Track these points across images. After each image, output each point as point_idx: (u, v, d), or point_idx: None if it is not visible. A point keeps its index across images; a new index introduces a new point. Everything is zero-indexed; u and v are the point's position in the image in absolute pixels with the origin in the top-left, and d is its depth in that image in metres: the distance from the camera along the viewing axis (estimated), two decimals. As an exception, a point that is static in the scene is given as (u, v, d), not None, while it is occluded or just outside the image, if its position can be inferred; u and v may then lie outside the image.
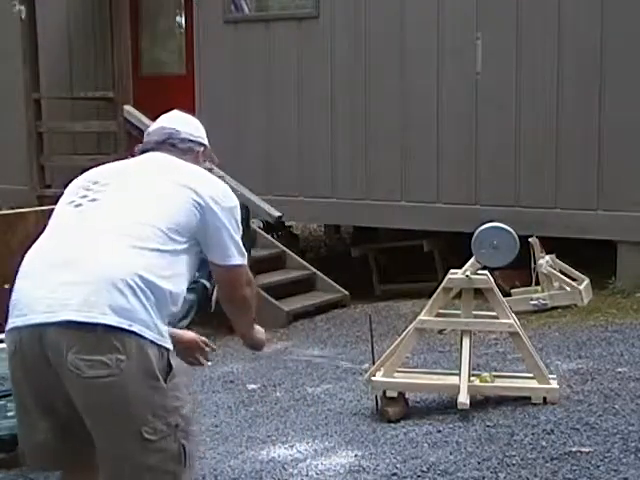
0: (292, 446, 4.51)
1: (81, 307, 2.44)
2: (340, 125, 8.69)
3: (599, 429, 4.26)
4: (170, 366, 2.54)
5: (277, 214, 7.86)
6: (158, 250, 2.56)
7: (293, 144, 8.94)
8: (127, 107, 8.38)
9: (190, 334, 3.31)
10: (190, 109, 10.44)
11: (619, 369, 5.30)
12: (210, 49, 9.38)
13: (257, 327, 3.26)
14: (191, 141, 2.95)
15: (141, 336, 2.47)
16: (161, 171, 2.77)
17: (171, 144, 2.90)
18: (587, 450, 4.01)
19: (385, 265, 9.26)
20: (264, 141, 9.09)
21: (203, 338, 3.35)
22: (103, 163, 2.90)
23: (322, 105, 8.73)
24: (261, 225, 9.99)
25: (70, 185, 2.82)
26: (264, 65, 9.01)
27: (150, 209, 2.62)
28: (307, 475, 4.09)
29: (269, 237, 9.05)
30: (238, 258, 2.76)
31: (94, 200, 2.67)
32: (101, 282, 2.47)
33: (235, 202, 2.79)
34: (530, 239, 7.20)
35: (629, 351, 5.69)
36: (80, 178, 2.82)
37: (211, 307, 7.50)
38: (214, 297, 7.49)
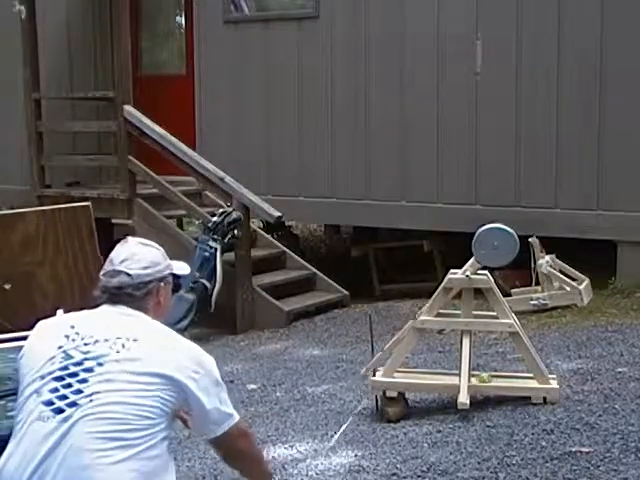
0: (292, 446, 4.51)
1: None
2: (340, 125, 8.70)
3: (599, 429, 4.26)
4: None
5: (277, 214, 7.85)
6: (144, 455, 2.45)
7: (293, 144, 8.94)
8: (127, 107, 8.38)
9: None
10: (190, 109, 10.47)
11: (619, 369, 5.29)
12: (210, 49, 9.38)
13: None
14: (147, 283, 2.72)
15: None
16: (124, 355, 2.53)
17: (127, 294, 2.70)
18: (587, 450, 4.01)
19: (385, 265, 9.27)
20: (264, 141, 9.09)
21: None
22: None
23: (322, 105, 8.73)
24: (261, 225, 10.00)
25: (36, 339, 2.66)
26: (264, 65, 9.02)
27: (124, 410, 2.45)
28: (307, 475, 4.09)
29: (269, 237, 9.06)
30: (226, 423, 2.65)
31: (64, 414, 2.44)
32: None
33: (208, 363, 2.64)
34: (530, 239, 7.20)
35: (629, 351, 5.69)
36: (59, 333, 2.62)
37: (211, 307, 7.53)
38: (214, 297, 7.53)
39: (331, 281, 8.41)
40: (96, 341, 2.56)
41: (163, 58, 10.91)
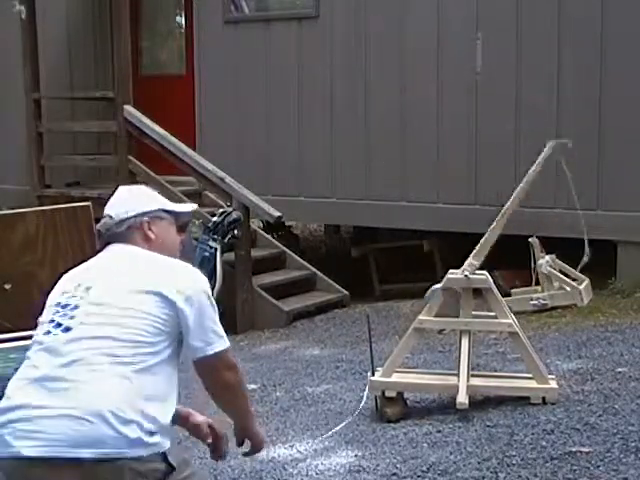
0: (292, 446, 4.51)
1: (66, 442, 2.36)
2: (340, 125, 8.70)
3: (599, 429, 4.26)
4: (171, 467, 2.50)
5: (277, 214, 7.86)
6: (142, 369, 2.48)
7: (293, 144, 8.94)
8: (127, 107, 8.38)
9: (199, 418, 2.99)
10: (190, 109, 10.46)
11: (619, 369, 5.29)
12: (210, 49, 9.38)
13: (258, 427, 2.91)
14: (126, 219, 2.80)
15: (133, 458, 2.40)
16: (120, 280, 2.64)
17: (113, 233, 2.81)
18: (587, 450, 4.01)
19: (385, 265, 9.27)
20: (264, 141, 9.09)
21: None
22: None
23: (322, 105, 8.73)
24: (261, 225, 10.00)
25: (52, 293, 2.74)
26: (264, 65, 9.02)
27: (121, 327, 2.51)
28: (307, 475, 4.09)
29: (269, 237, 9.06)
30: (215, 345, 2.60)
31: (68, 328, 2.56)
32: (86, 413, 2.37)
33: (202, 283, 2.67)
34: (530, 239, 7.21)
35: (629, 351, 5.69)
36: (56, 291, 2.73)
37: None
38: (214, 297, 7.51)
39: (331, 281, 8.41)
40: (87, 288, 2.65)
41: (163, 58, 10.91)
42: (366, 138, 8.54)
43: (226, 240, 7.60)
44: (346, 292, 8.35)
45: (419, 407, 4.93)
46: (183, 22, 10.32)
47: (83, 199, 6.81)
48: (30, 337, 3.28)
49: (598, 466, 3.84)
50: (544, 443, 4.15)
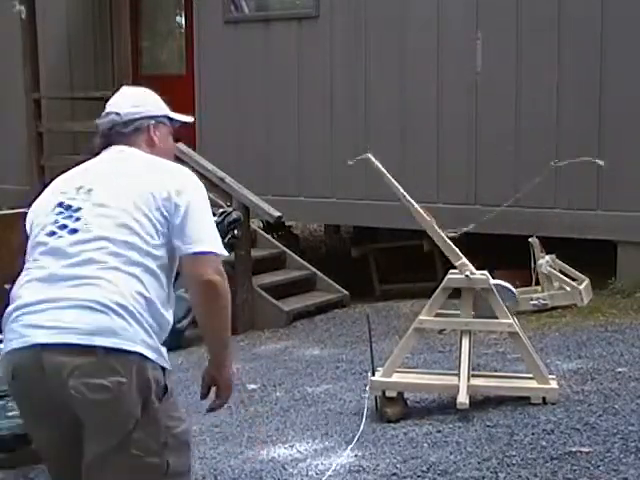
0: (292, 446, 4.51)
1: (79, 328, 2.43)
2: (340, 125, 8.70)
3: (599, 429, 4.26)
4: (166, 387, 2.55)
5: (277, 214, 7.86)
6: (148, 269, 2.54)
7: (293, 144, 8.94)
8: (127, 107, 8.37)
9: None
10: (190, 109, 10.45)
11: (619, 369, 5.29)
12: (210, 49, 9.38)
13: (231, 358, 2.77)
14: (135, 120, 2.83)
15: (142, 356, 2.48)
16: (122, 183, 2.67)
17: (117, 132, 2.83)
18: (587, 450, 4.01)
19: (385, 265, 9.27)
20: (264, 141, 9.09)
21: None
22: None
23: (322, 105, 8.73)
24: (261, 225, 10.00)
25: (43, 197, 2.76)
26: (264, 65, 9.02)
27: (125, 229, 2.56)
28: (307, 475, 4.09)
29: (269, 237, 9.06)
30: (204, 245, 2.58)
31: (74, 230, 2.60)
32: (100, 305, 2.45)
33: (196, 185, 2.69)
34: (530, 239, 7.21)
35: (629, 351, 5.69)
36: (52, 191, 2.75)
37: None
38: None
39: (331, 281, 8.41)
40: (89, 190, 2.67)
41: (163, 58, 10.91)
42: (366, 138, 8.54)
43: (226, 240, 7.59)
44: (346, 292, 8.35)
45: (419, 407, 4.93)
46: (183, 22, 10.32)
47: (83, 199, 6.82)
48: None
49: (598, 466, 3.84)
50: (544, 443, 4.15)
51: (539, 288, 7.23)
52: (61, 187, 2.74)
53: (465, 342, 4.74)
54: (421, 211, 5.05)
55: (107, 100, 3.01)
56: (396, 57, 8.33)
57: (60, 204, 2.66)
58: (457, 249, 4.86)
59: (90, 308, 2.45)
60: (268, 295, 7.81)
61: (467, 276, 4.74)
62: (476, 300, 4.77)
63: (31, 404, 2.55)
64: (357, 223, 9.46)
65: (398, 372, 4.86)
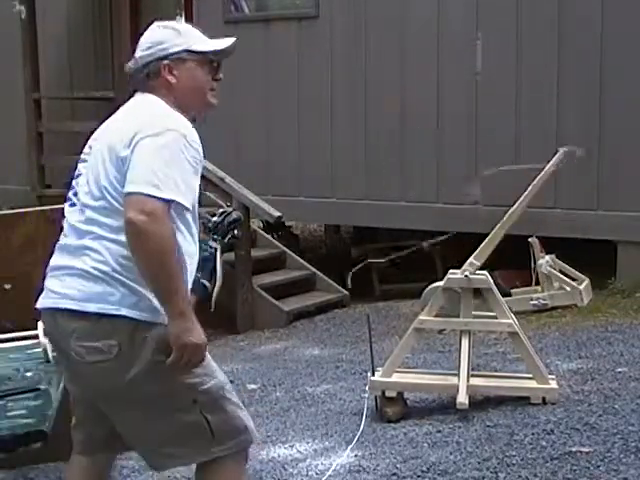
0: (292, 446, 4.51)
1: (75, 295, 2.58)
2: (340, 125, 8.69)
3: (599, 429, 4.26)
4: (169, 346, 2.54)
5: (277, 214, 7.86)
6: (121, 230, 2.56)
7: (293, 144, 8.94)
8: (127, 107, 8.38)
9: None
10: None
11: (619, 369, 5.30)
12: (210, 49, 9.37)
13: (185, 320, 2.55)
14: (148, 63, 2.76)
15: (132, 319, 2.54)
16: (109, 138, 2.69)
17: (136, 79, 2.78)
18: (587, 450, 4.01)
19: (385, 265, 9.26)
20: (264, 141, 9.09)
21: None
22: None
23: (322, 105, 8.73)
24: (261, 225, 10.00)
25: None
26: (264, 65, 9.01)
27: (99, 191, 2.62)
28: (307, 475, 4.09)
29: (269, 237, 9.06)
30: (131, 185, 2.50)
31: (73, 204, 2.72)
32: (90, 274, 2.58)
33: (161, 128, 2.56)
34: (530, 239, 7.20)
35: (629, 351, 5.69)
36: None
37: (211, 307, 7.53)
38: (214, 297, 7.52)
39: (331, 281, 8.41)
40: (90, 147, 2.75)
41: (163, 58, 10.90)
42: (366, 138, 8.54)
43: (226, 240, 7.60)
44: (346, 292, 8.35)
45: (419, 407, 4.93)
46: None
47: (83, 199, 6.83)
48: (30, 337, 3.29)
49: (598, 466, 3.84)
50: (544, 443, 4.15)
51: (539, 288, 7.23)
52: (84, 149, 2.80)
53: (465, 342, 4.74)
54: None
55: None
56: (396, 57, 8.33)
57: (76, 168, 2.76)
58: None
59: (83, 276, 2.58)
60: (268, 295, 7.81)
61: (467, 276, 4.74)
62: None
63: (60, 358, 2.75)
64: (357, 223, 9.46)
65: (398, 372, 4.86)
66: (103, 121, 2.84)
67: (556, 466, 3.88)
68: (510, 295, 7.17)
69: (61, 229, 2.75)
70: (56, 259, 2.69)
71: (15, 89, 9.36)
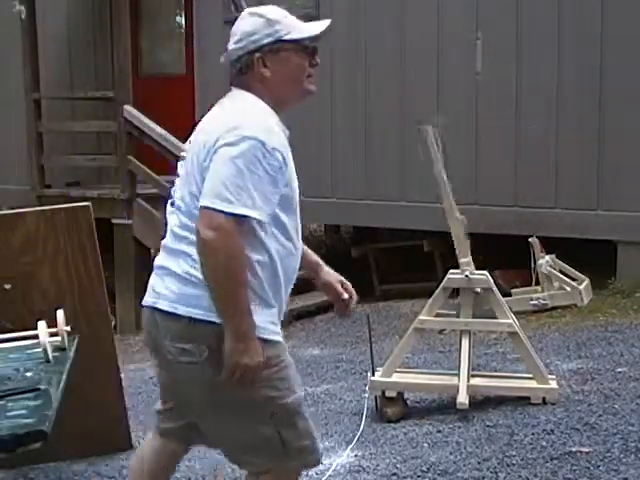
0: (292, 446, 4.51)
1: (170, 297, 2.61)
2: (340, 125, 8.69)
3: (599, 429, 4.26)
4: (262, 357, 2.56)
5: (277, 214, 7.84)
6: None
7: (293, 144, 8.91)
8: (127, 107, 8.38)
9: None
10: (190, 109, 10.44)
11: (619, 369, 5.30)
12: (210, 49, 9.37)
13: (245, 342, 2.52)
14: (240, 58, 2.64)
15: (221, 325, 2.53)
16: (198, 138, 2.70)
17: (231, 75, 2.70)
18: (587, 450, 4.01)
19: (385, 265, 9.26)
20: (264, 141, 9.07)
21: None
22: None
23: (322, 105, 8.72)
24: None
25: None
26: (264, 65, 9.00)
27: (193, 193, 2.61)
28: (307, 475, 4.09)
29: (269, 237, 9.04)
30: (203, 199, 2.46)
31: (172, 203, 2.73)
32: (183, 275, 2.59)
33: (237, 136, 2.47)
34: (530, 239, 7.21)
35: (629, 351, 5.69)
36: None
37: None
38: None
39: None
40: (192, 139, 2.75)
41: (163, 58, 10.91)
42: (366, 138, 8.54)
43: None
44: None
45: (419, 407, 4.93)
46: (183, 22, 10.33)
47: (83, 199, 6.81)
48: (30, 337, 3.29)
49: (598, 466, 3.84)
50: (544, 443, 4.15)
51: (539, 288, 7.24)
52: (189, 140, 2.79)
53: (465, 342, 4.74)
54: (451, 197, 4.99)
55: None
56: (396, 57, 8.33)
57: (177, 165, 2.76)
58: (468, 246, 4.84)
59: (178, 279, 2.59)
60: (268, 295, 7.80)
61: (467, 276, 4.74)
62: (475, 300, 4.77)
63: (155, 354, 2.75)
64: (357, 223, 9.46)
65: (398, 372, 4.86)
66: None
67: (556, 466, 3.88)
68: (510, 295, 7.18)
69: (166, 224, 2.76)
70: (159, 258, 2.71)
71: (15, 89, 9.36)
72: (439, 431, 4.46)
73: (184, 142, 9.26)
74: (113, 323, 4.85)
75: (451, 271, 4.88)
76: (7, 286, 4.14)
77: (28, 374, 2.90)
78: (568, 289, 7.12)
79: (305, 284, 9.31)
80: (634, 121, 7.41)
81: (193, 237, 2.53)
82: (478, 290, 4.70)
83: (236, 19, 2.74)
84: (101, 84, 9.83)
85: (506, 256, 7.51)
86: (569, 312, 6.94)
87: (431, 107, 8.17)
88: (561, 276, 7.22)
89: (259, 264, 2.58)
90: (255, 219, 2.49)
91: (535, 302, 7.11)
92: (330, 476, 4.04)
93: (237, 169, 2.45)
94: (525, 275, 7.34)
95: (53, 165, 9.32)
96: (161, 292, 2.64)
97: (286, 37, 2.65)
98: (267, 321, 2.60)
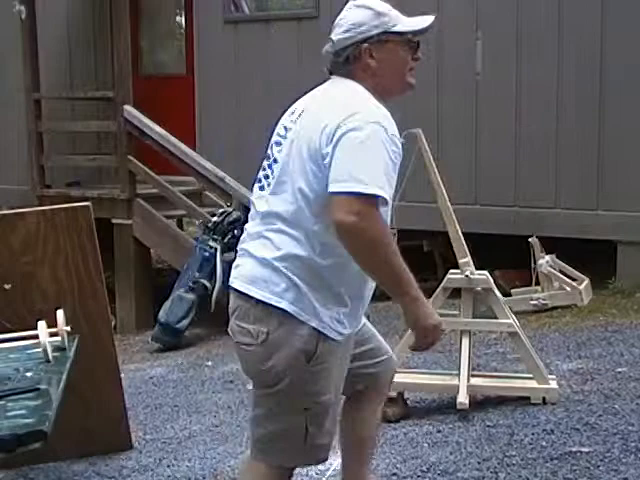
0: (292, 446, 4.50)
1: (247, 279, 2.66)
2: (340, 125, 8.68)
3: (599, 429, 4.26)
4: (316, 351, 2.60)
5: (277, 214, 7.84)
6: (306, 229, 2.59)
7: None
8: (127, 107, 8.38)
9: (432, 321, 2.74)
10: (190, 109, 10.44)
11: (619, 369, 5.30)
12: (210, 49, 9.38)
13: (418, 305, 2.62)
14: (346, 48, 2.69)
15: (288, 312, 2.58)
16: (300, 127, 2.67)
17: (333, 62, 2.74)
18: (587, 450, 4.01)
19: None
20: (264, 141, 9.03)
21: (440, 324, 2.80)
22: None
23: (322, 105, 8.72)
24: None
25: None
26: (264, 65, 9.01)
27: (294, 179, 2.62)
28: (307, 475, 4.09)
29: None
30: (336, 185, 2.45)
31: (262, 188, 2.74)
32: (261, 259, 2.64)
33: (362, 121, 2.48)
34: (530, 239, 7.20)
35: (629, 351, 5.69)
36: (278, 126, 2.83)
37: (211, 307, 7.53)
38: (214, 297, 7.53)
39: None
40: (284, 137, 2.72)
41: (163, 58, 10.91)
42: (366, 138, 8.53)
43: (226, 240, 7.60)
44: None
45: (419, 407, 4.92)
46: (183, 22, 10.33)
47: (83, 199, 6.83)
48: (30, 337, 3.29)
49: (598, 466, 3.84)
50: (544, 443, 4.15)
51: (539, 288, 7.23)
52: (281, 121, 2.82)
53: (465, 342, 4.74)
54: (447, 199, 4.99)
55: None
56: (396, 57, 8.32)
57: (271, 146, 2.79)
58: (466, 247, 4.84)
59: (255, 262, 2.64)
60: (268, 295, 7.80)
61: (467, 276, 4.74)
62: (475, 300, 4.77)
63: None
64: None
65: (398, 372, 4.84)
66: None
67: (556, 466, 3.88)
68: (510, 295, 7.17)
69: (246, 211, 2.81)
70: (242, 240, 2.78)
71: (15, 89, 9.36)
72: (439, 431, 4.46)
73: (184, 142, 9.23)
74: (113, 323, 4.85)
75: (451, 271, 4.87)
76: (7, 286, 4.14)
77: (28, 374, 2.90)
78: (568, 289, 7.12)
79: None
80: (634, 121, 7.41)
81: (279, 224, 2.61)
82: (479, 289, 4.69)
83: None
84: (101, 84, 9.83)
85: (506, 256, 7.51)
86: (569, 312, 6.94)
87: (431, 107, 8.17)
88: (561, 276, 7.21)
89: (344, 258, 2.57)
90: (384, 200, 2.51)
91: (535, 302, 7.10)
92: (330, 476, 4.04)
93: (366, 153, 2.47)
94: (525, 275, 7.34)
95: (53, 165, 9.32)
96: (240, 272, 2.71)
97: (393, 29, 2.70)
98: (333, 318, 2.64)
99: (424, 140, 4.79)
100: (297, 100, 2.83)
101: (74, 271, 4.25)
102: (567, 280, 7.20)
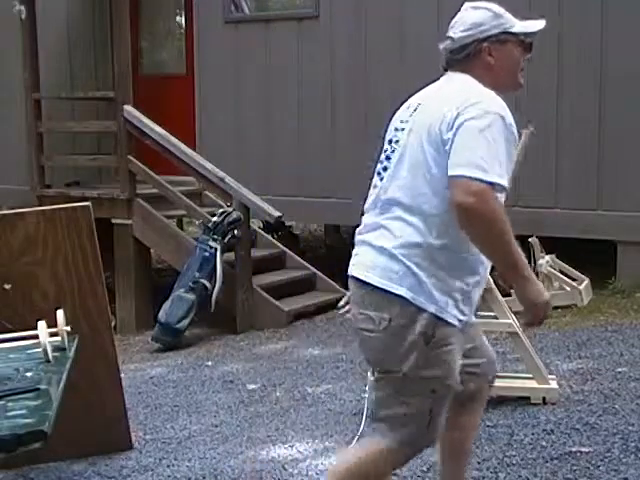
0: (292, 446, 4.51)
1: (366, 267, 2.75)
2: (340, 125, 8.69)
3: (599, 429, 4.27)
4: (434, 335, 2.66)
5: (277, 214, 7.85)
6: (424, 213, 2.66)
7: (293, 144, 8.94)
8: (127, 107, 8.38)
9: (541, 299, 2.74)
10: (190, 109, 10.44)
11: (619, 369, 5.30)
12: (210, 49, 9.38)
13: (531, 284, 2.69)
14: (467, 45, 2.82)
15: (407, 300, 2.64)
16: (419, 118, 2.75)
17: (452, 59, 2.86)
18: (587, 450, 4.01)
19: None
20: (264, 141, 9.09)
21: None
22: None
23: (322, 105, 8.73)
24: (261, 225, 10.00)
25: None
26: (264, 65, 9.02)
27: (413, 165, 2.70)
28: (307, 475, 4.09)
29: (269, 237, 9.06)
30: (455, 169, 2.55)
31: (382, 178, 2.84)
32: (379, 248, 2.72)
33: (482, 111, 2.60)
34: (530, 239, 7.21)
35: (629, 351, 5.69)
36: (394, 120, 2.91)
37: (211, 307, 7.54)
38: (214, 297, 7.53)
39: (331, 281, 8.40)
40: (402, 129, 2.80)
41: (163, 58, 10.92)
42: (366, 138, 8.53)
43: (226, 240, 7.60)
44: (346, 292, 8.33)
45: (419, 407, 4.92)
46: (183, 22, 10.33)
47: (83, 199, 6.83)
48: (30, 337, 3.28)
49: (598, 466, 3.84)
50: (544, 443, 4.15)
51: (539, 288, 7.22)
52: (395, 117, 2.89)
53: (465, 342, 4.74)
54: None
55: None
56: (396, 57, 8.33)
57: (390, 141, 2.86)
58: None
59: (374, 250, 2.73)
60: (268, 295, 7.81)
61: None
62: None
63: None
64: (357, 223, 9.44)
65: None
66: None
67: (556, 466, 3.88)
68: (510, 295, 7.16)
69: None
70: (358, 232, 2.87)
71: (15, 89, 9.36)
72: (439, 431, 4.46)
73: (184, 142, 9.24)
74: (113, 323, 4.85)
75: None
76: (7, 286, 4.14)
77: (28, 374, 2.90)
78: (568, 289, 7.13)
79: (305, 284, 9.28)
80: (634, 121, 7.41)
81: (398, 211, 2.69)
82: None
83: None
84: (101, 84, 9.84)
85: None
86: (569, 312, 6.94)
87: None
88: (561, 276, 7.22)
89: (460, 242, 2.65)
90: (501, 187, 2.60)
91: (535, 302, 7.09)
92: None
93: (486, 141, 2.57)
94: (525, 275, 7.33)
95: (53, 165, 9.32)
96: (359, 261, 2.80)
97: (510, 30, 2.85)
98: (450, 303, 2.70)
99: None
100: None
101: (74, 271, 4.25)
102: (567, 280, 7.20)
